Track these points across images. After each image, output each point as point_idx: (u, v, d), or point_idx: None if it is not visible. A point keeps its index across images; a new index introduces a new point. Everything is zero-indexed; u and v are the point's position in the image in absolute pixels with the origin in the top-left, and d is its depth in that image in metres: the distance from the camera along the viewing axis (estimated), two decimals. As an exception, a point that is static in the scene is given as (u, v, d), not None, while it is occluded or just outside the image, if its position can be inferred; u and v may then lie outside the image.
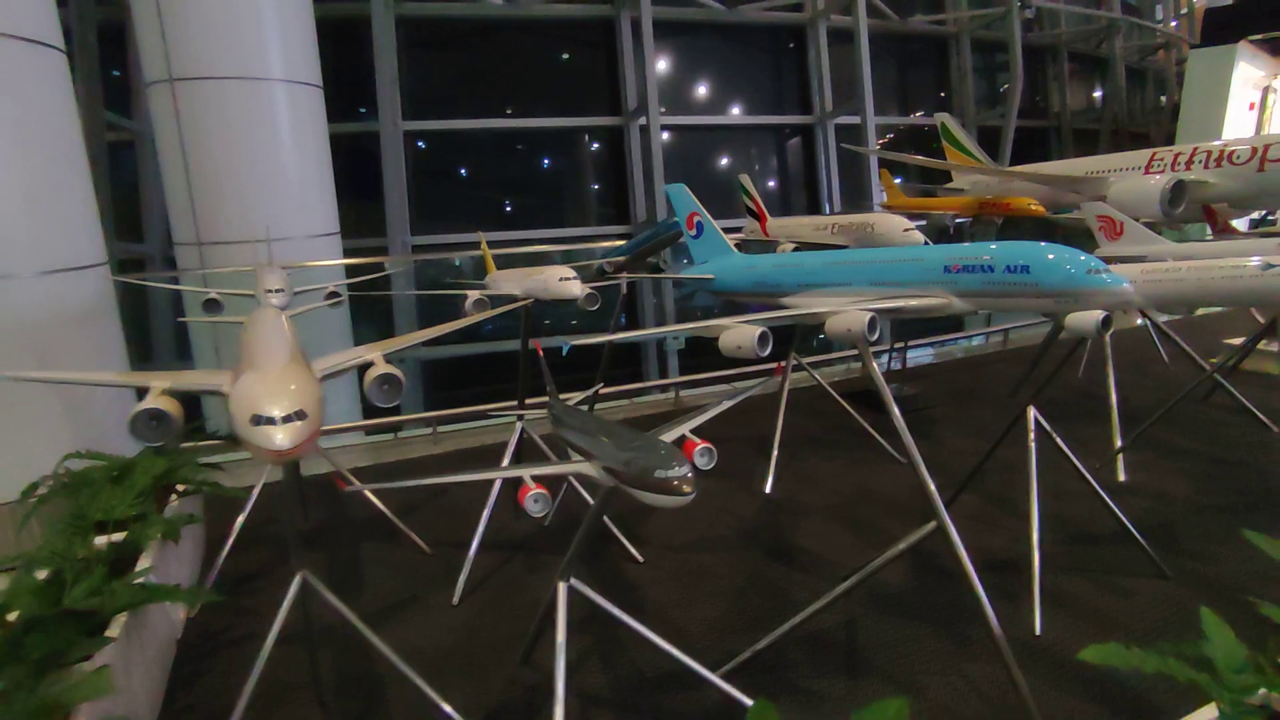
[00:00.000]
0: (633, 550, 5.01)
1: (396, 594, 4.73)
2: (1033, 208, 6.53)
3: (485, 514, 4.75)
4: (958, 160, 8.34)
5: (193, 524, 4.45)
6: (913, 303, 3.32)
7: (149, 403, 2.60)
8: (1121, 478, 5.88)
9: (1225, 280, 3.79)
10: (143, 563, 3.74)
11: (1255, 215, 9.51)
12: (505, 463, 4.91)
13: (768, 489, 5.86)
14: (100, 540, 3.65)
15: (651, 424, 5.88)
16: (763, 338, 3.49)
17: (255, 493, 4.73)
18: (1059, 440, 4.68)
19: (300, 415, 2.02)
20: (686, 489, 2.27)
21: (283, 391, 2.08)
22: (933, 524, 3.54)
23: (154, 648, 3.68)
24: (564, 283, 4.13)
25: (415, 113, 13.66)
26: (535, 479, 2.54)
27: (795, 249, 5.93)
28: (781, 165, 17.48)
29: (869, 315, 3.16)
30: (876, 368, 3.36)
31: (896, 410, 3.46)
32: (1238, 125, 16.75)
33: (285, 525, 3.38)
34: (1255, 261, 3.71)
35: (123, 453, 4.50)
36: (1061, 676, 3.64)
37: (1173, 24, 20.54)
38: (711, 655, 3.83)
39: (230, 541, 4.71)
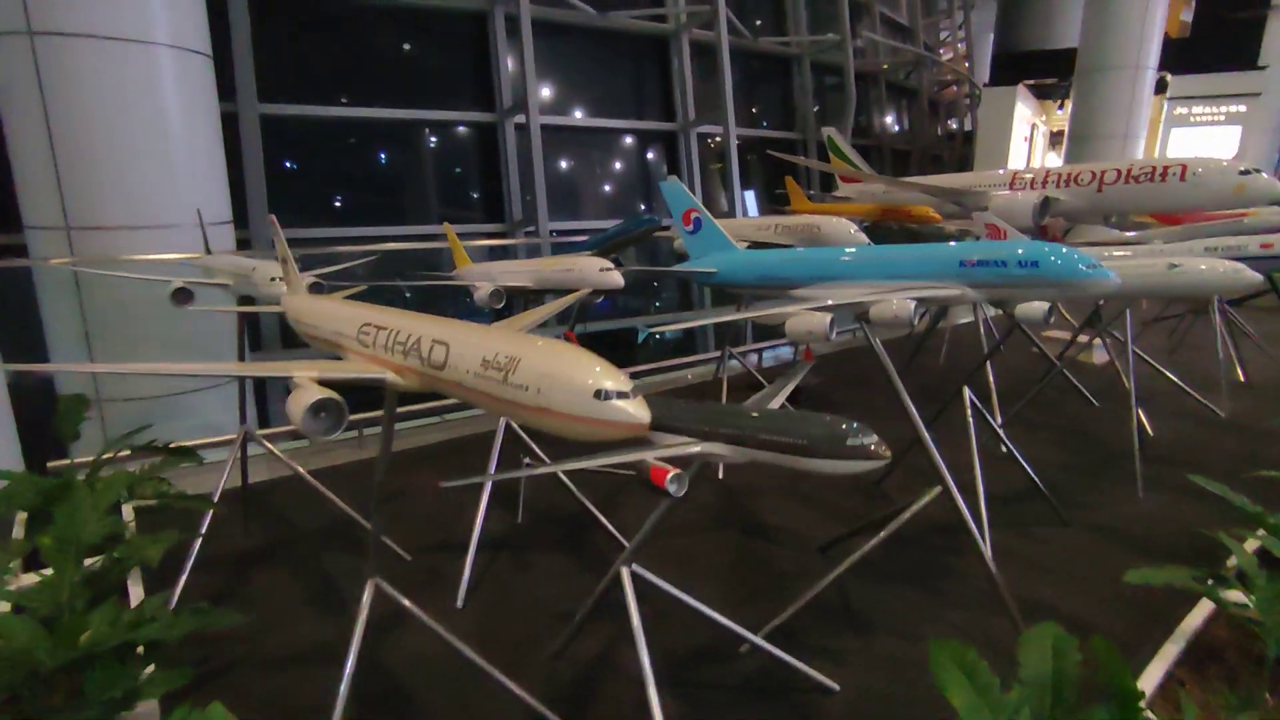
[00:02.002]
0: (621, 538, 5.10)
1: (389, 603, 4.45)
2: (931, 215, 7.50)
3: (481, 512, 4.62)
4: (842, 172, 9.27)
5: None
6: (935, 293, 3.80)
7: (318, 393, 2.32)
8: (1004, 449, 6.92)
9: (1139, 277, 4.73)
10: (132, 586, 3.27)
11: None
12: (494, 457, 4.77)
13: (720, 475, 6.19)
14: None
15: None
16: (832, 323, 3.79)
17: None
18: (988, 417, 5.48)
19: (635, 391, 1.97)
20: (885, 452, 2.49)
21: (610, 368, 2.05)
22: (938, 489, 4.05)
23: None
24: (605, 273, 4.14)
25: (267, 96, 12.43)
26: (662, 460, 2.61)
27: (748, 247, 6.35)
28: (642, 169, 18.10)
29: (912, 303, 3.61)
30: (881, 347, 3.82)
31: (901, 385, 3.92)
32: (1018, 155, 20.06)
33: (373, 529, 3.14)
34: (1162, 261, 4.70)
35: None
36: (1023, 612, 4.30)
37: (965, 63, 23.98)
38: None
39: (192, 558, 4.18)
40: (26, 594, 2.86)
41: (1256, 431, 7.28)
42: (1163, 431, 7.30)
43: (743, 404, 3.20)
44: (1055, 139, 24.63)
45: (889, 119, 22.74)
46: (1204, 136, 18.24)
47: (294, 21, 13.18)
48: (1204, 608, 3.55)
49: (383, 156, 14.92)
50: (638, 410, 1.94)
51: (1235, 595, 3.31)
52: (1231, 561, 3.67)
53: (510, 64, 14.82)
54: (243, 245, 10.90)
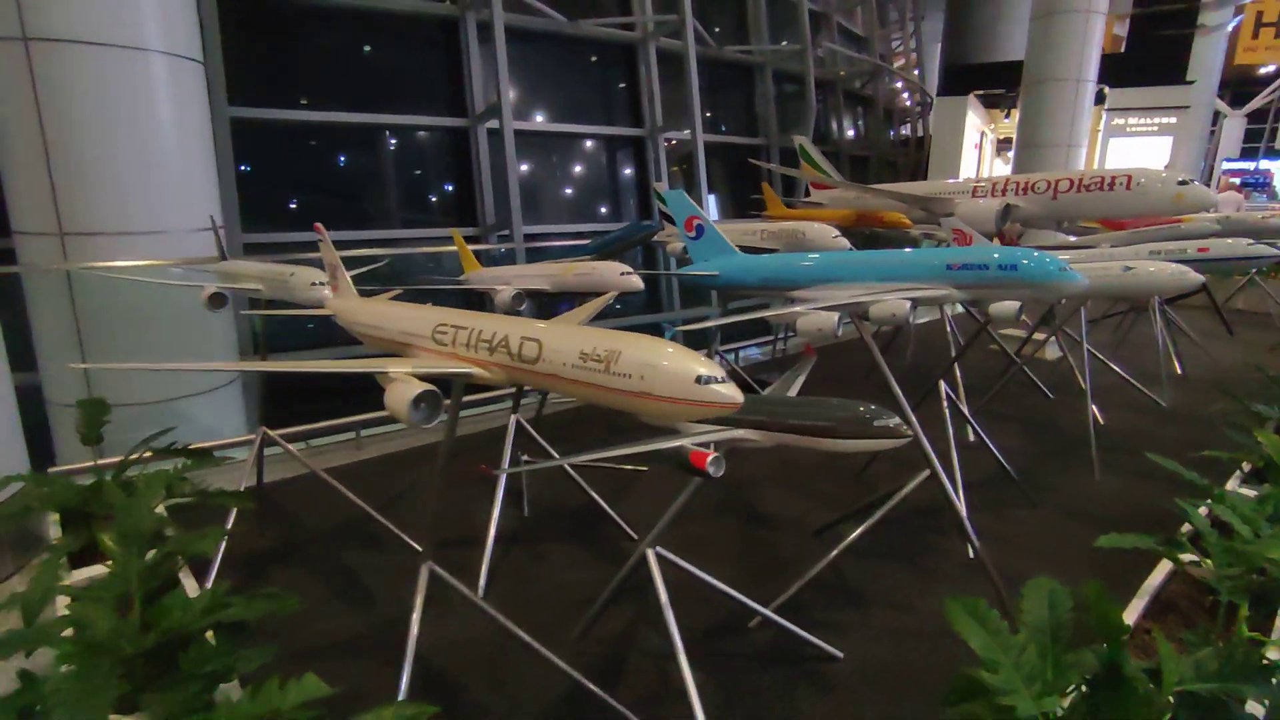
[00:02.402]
0: (628, 530, 5.37)
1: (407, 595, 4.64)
2: (903, 220, 7.99)
3: (497, 505, 4.84)
4: (813, 179, 9.72)
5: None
6: (925, 294, 4.18)
7: (419, 386, 2.54)
8: (971, 438, 7.42)
9: (1097, 278, 5.21)
10: (184, 578, 3.42)
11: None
12: (506, 452, 4.99)
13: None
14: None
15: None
16: (839, 321, 4.14)
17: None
18: (963, 407, 5.94)
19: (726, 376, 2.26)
20: (906, 431, 2.82)
21: (702, 358, 2.34)
22: (926, 472, 4.43)
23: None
24: (625, 277, 4.40)
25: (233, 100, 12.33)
26: (698, 445, 2.89)
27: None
28: (613, 174, 18.41)
29: (908, 302, 3.99)
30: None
31: (893, 379, 4.29)
32: (970, 161, 21.03)
33: (429, 513, 3.39)
34: (1117, 264, 5.19)
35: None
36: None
37: (915, 71, 24.95)
38: (736, 607, 4.37)
39: (220, 553, 4.32)
40: (97, 585, 3.00)
41: (1196, 419, 7.94)
42: (1113, 420, 7.90)
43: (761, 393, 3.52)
44: (1002, 145, 25.77)
45: (846, 126, 23.51)
46: (1139, 146, 19.44)
47: (262, 26, 13.08)
48: (1162, 569, 4.01)
49: (351, 160, 14.87)
50: (732, 391, 2.25)
51: (1188, 557, 3.77)
52: (1184, 529, 4.14)
53: (479, 69, 14.94)
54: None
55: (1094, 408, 7.14)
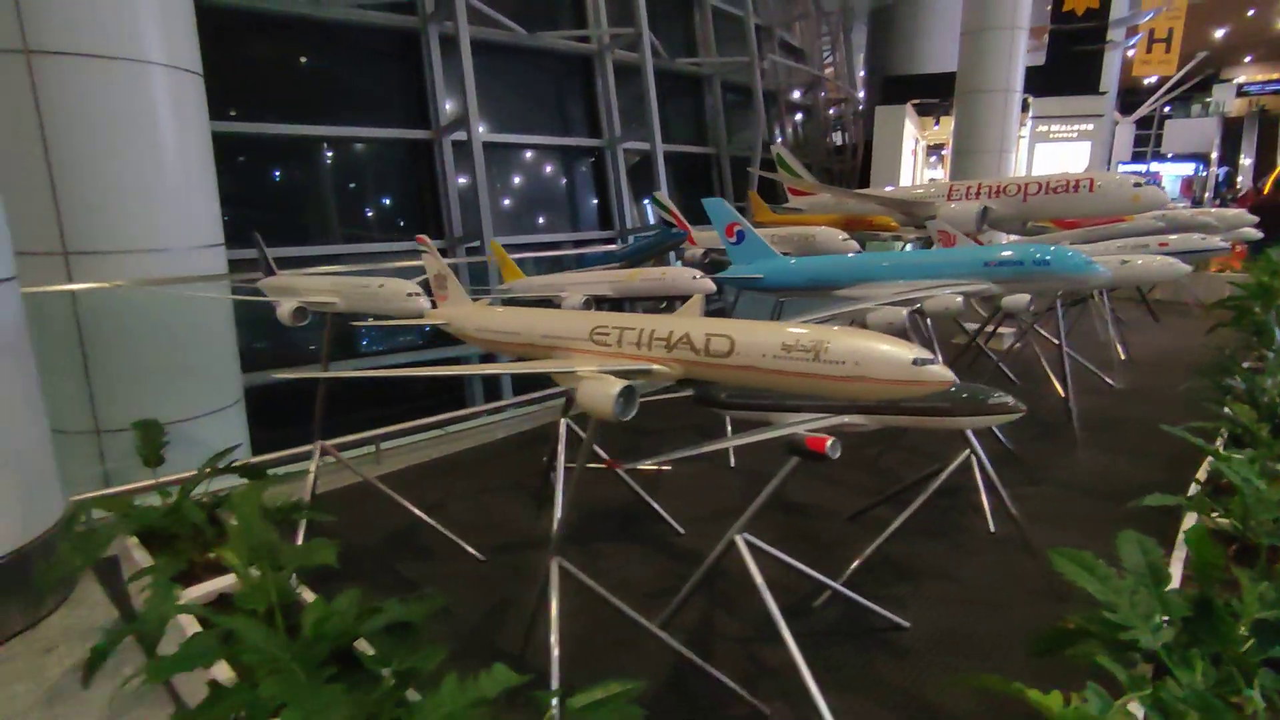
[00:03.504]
0: (674, 524, 5.58)
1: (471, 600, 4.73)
2: (891, 224, 8.50)
3: (558, 508, 4.96)
4: (792, 185, 10.21)
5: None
6: (967, 289, 4.58)
7: (620, 382, 2.68)
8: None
9: None
10: (307, 594, 3.46)
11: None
12: (560, 455, 5.10)
13: (732, 464, 6.80)
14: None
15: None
16: (909, 315, 4.47)
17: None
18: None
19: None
20: (1021, 406, 3.13)
21: (899, 341, 2.62)
22: (966, 452, 4.83)
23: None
24: (698, 280, 4.60)
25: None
26: (814, 431, 3.15)
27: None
28: (572, 184, 18.59)
29: (960, 297, 4.37)
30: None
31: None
32: (908, 166, 22.24)
33: (559, 518, 3.55)
34: (1115, 258, 5.77)
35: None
36: (1022, 552, 5.16)
37: (838, 83, 26.27)
38: (798, 590, 4.66)
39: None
40: (242, 598, 3.02)
41: (1149, 398, 8.73)
42: (1077, 403, 8.61)
43: None
44: (931, 151, 27.22)
45: (789, 134, 24.41)
46: (1062, 151, 21.03)
47: (229, 39, 12.68)
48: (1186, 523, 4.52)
49: (308, 175, 14.52)
50: (944, 371, 2.53)
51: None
52: (1191, 490, 4.68)
53: (441, 82, 14.87)
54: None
55: (1061, 390, 7.76)
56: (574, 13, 17.57)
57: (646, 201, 19.74)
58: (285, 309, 4.37)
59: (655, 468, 5.65)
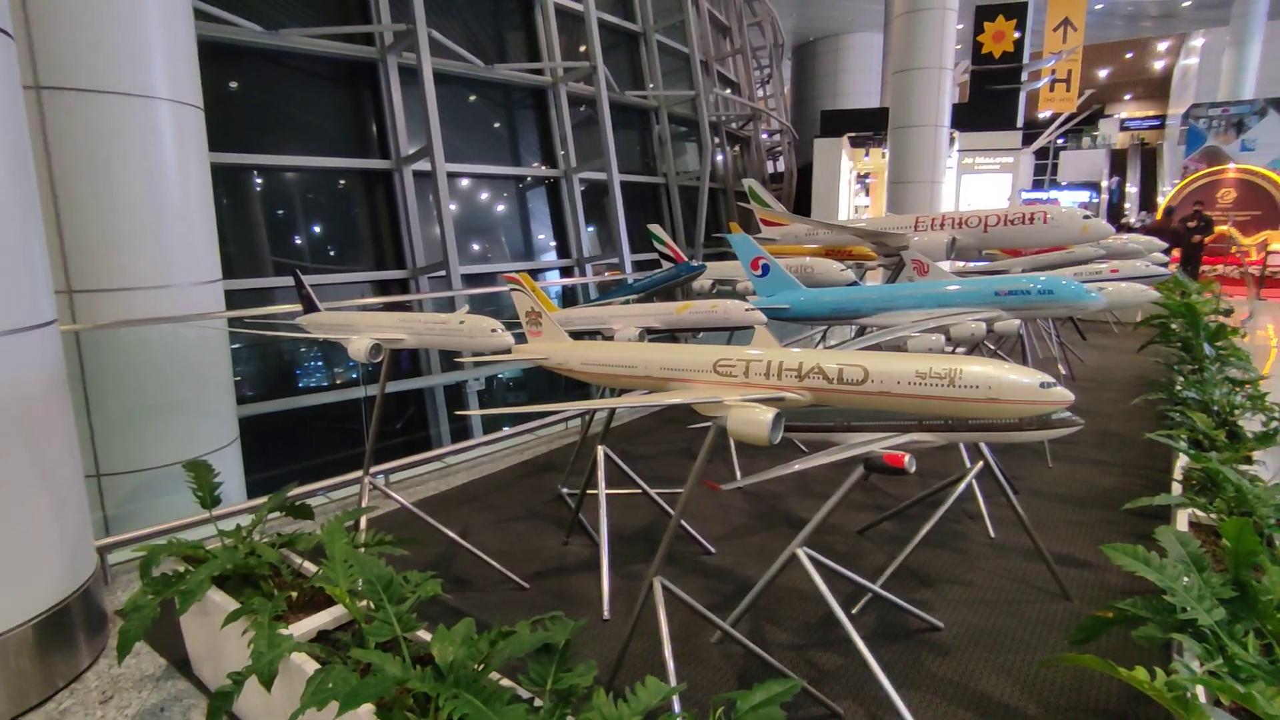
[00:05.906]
0: (705, 543, 5.83)
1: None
2: (869, 254, 9.06)
3: (604, 529, 5.15)
4: (765, 216, 10.71)
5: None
6: (982, 316, 5.06)
7: (772, 410, 2.93)
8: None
9: None
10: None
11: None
12: (600, 480, 5.30)
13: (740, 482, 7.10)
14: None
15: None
16: (947, 339, 4.88)
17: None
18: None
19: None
20: (1079, 420, 3.52)
21: (1021, 367, 2.95)
22: (980, 464, 5.29)
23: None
24: (750, 313, 4.87)
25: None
26: (888, 449, 3.47)
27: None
28: (523, 211, 18.77)
29: (983, 324, 4.84)
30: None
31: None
32: (848, 198, 23.59)
33: (668, 534, 3.74)
34: (1091, 285, 6.42)
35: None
36: (1021, 555, 5.65)
37: (771, 115, 27.68)
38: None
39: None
40: (371, 631, 3.09)
41: (1099, 411, 9.59)
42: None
43: None
44: (859, 180, 28.75)
45: (729, 164, 25.34)
46: (987, 182, 22.72)
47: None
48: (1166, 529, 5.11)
49: (270, 204, 14.18)
50: (1066, 391, 2.91)
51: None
52: (1173, 491, 5.27)
53: (401, 112, 14.84)
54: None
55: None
56: (528, 46, 17.91)
57: (590, 229, 20.09)
58: (360, 345, 4.39)
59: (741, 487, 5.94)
